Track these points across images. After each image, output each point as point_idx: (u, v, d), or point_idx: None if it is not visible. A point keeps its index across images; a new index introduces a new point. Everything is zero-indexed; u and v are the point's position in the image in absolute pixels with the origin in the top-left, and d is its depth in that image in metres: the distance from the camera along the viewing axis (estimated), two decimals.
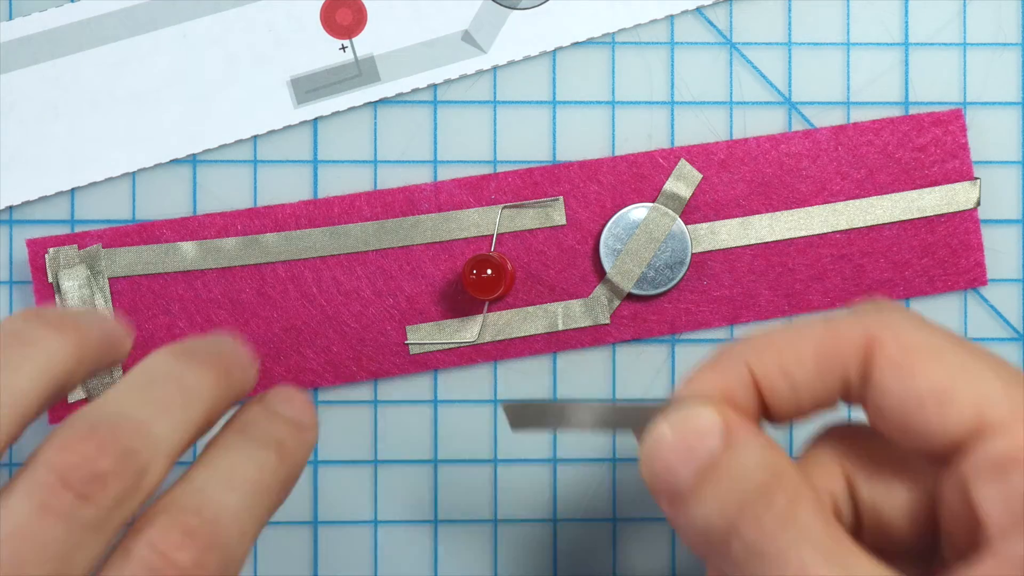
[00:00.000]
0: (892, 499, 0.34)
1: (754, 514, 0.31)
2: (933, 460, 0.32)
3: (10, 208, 0.47)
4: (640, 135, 0.47)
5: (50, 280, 0.46)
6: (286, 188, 0.47)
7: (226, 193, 0.47)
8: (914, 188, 0.47)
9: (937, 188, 0.47)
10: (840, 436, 0.35)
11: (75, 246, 0.46)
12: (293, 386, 0.38)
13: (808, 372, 0.33)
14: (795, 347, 0.34)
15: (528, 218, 0.47)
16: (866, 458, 0.35)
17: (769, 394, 0.34)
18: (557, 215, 0.47)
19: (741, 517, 0.31)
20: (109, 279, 0.46)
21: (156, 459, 0.32)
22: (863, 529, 0.35)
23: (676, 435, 0.32)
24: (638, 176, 0.47)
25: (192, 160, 0.47)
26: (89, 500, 0.30)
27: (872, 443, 0.35)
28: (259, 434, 0.35)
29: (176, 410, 0.33)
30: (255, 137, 0.47)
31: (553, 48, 0.47)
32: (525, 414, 0.36)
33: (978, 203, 0.47)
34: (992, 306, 0.48)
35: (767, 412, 0.34)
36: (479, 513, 0.48)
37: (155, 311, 0.46)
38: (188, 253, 0.46)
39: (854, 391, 0.33)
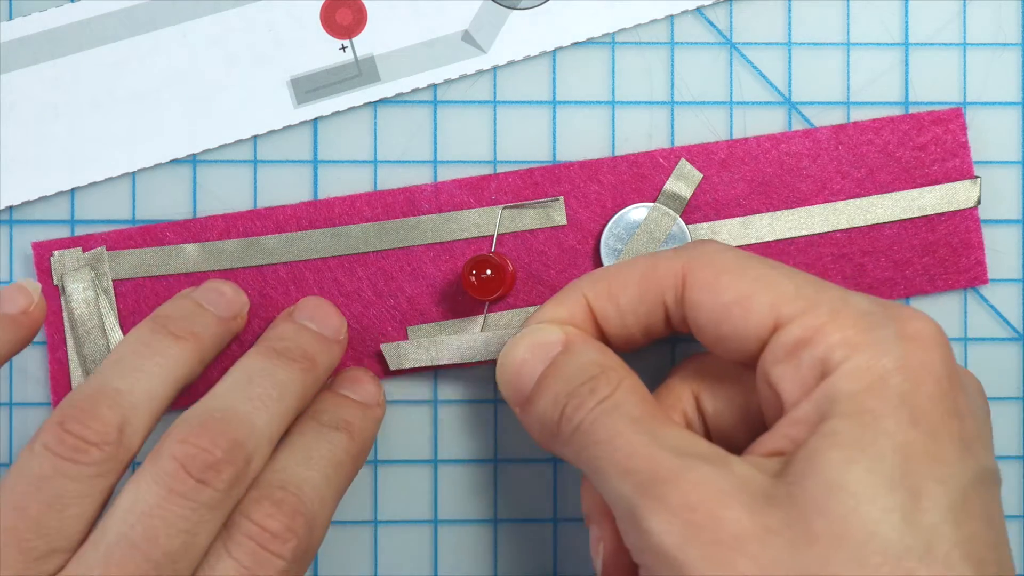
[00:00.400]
0: (729, 407, 0.40)
1: (579, 399, 0.37)
2: (747, 363, 0.38)
3: (10, 208, 0.47)
4: (640, 135, 0.47)
5: (56, 283, 0.46)
6: (286, 188, 0.47)
7: (226, 193, 0.47)
8: (914, 187, 0.47)
9: (937, 187, 0.47)
10: (690, 364, 0.42)
11: (79, 249, 0.46)
12: (362, 368, 0.46)
13: (632, 298, 0.40)
14: (622, 277, 0.40)
15: (528, 218, 0.47)
16: (708, 378, 0.41)
17: (602, 319, 0.40)
18: (557, 215, 0.47)
19: (569, 402, 0.38)
20: (113, 281, 0.46)
21: (259, 446, 0.39)
22: (711, 438, 0.40)
23: (524, 348, 0.40)
24: (638, 176, 0.47)
25: (192, 160, 0.47)
26: (207, 484, 0.37)
27: (713, 366, 0.41)
28: (329, 418, 0.43)
29: (272, 403, 0.40)
30: (255, 137, 0.47)
31: (553, 48, 0.47)
32: (402, 352, 0.46)
33: (978, 201, 0.47)
34: (992, 306, 0.48)
35: (605, 339, 0.41)
36: (479, 513, 0.48)
37: None
38: (191, 255, 0.46)
39: (673, 313, 0.39)
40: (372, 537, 0.47)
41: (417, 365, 0.46)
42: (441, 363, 0.46)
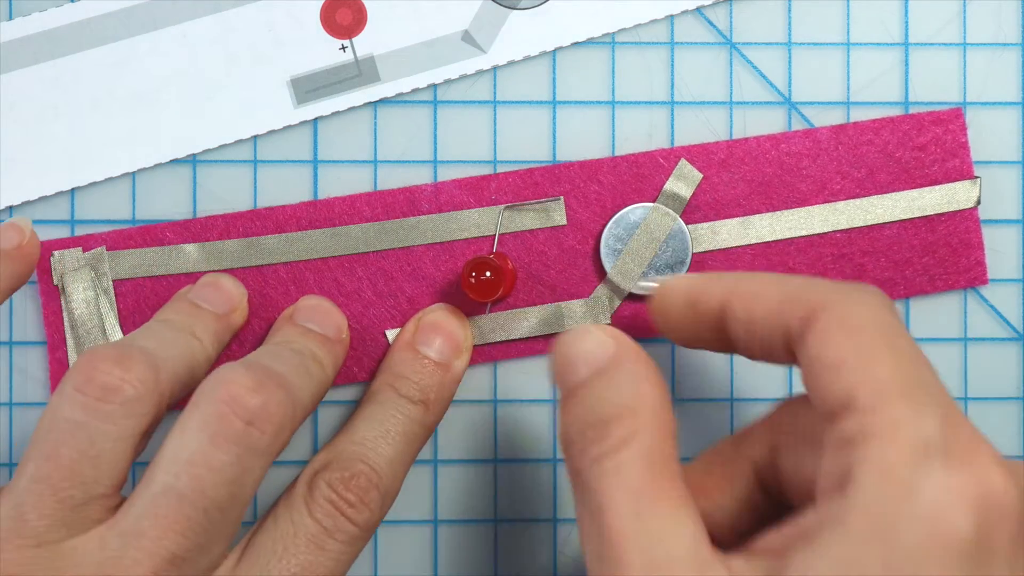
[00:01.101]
0: (804, 467, 0.36)
1: (584, 442, 0.35)
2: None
3: (10, 208, 0.47)
4: (640, 135, 0.47)
5: (56, 283, 0.46)
6: (286, 188, 0.47)
7: (226, 193, 0.47)
8: (914, 187, 0.47)
9: (937, 187, 0.47)
10: (781, 410, 0.38)
11: (79, 249, 0.46)
12: (444, 310, 0.47)
13: (768, 311, 0.35)
14: (768, 290, 0.36)
15: (529, 218, 0.47)
16: (793, 430, 0.37)
17: (732, 319, 0.37)
18: (558, 215, 0.47)
19: (578, 440, 0.35)
20: (113, 281, 0.46)
21: (301, 401, 0.40)
22: (785, 494, 0.37)
23: (569, 350, 0.37)
24: (638, 176, 0.47)
25: (192, 160, 0.47)
26: (255, 426, 0.37)
27: (803, 417, 0.37)
28: (408, 389, 0.44)
29: (304, 373, 0.41)
30: (255, 137, 0.47)
31: (553, 48, 0.47)
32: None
33: (978, 202, 0.47)
34: (992, 306, 0.48)
35: (716, 332, 0.38)
36: (479, 513, 0.48)
37: None
38: (191, 255, 0.46)
39: (792, 341, 0.35)
40: (372, 537, 0.47)
41: None
42: None
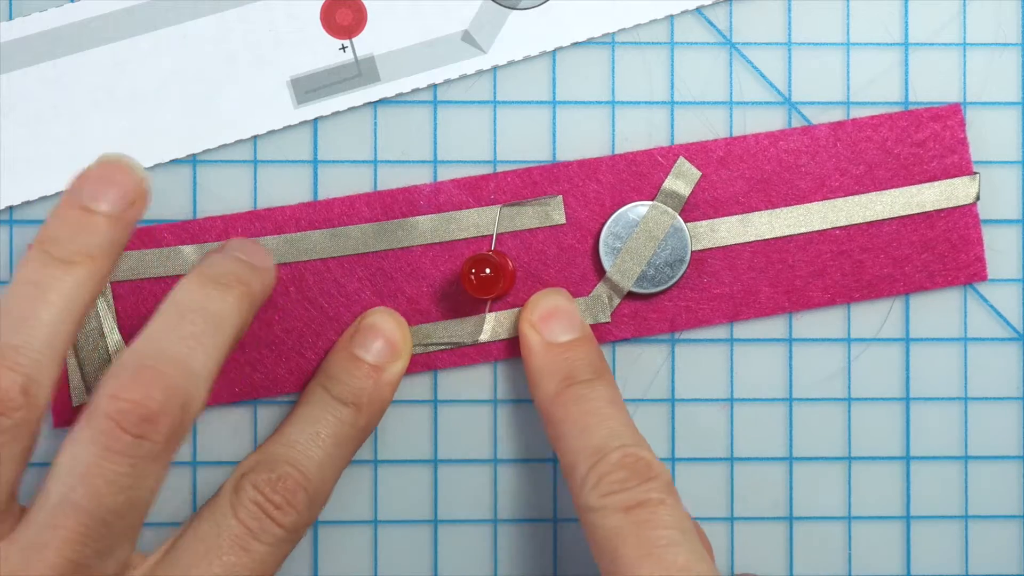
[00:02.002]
0: None
1: None
2: None
3: (10, 208, 0.47)
4: (640, 135, 0.47)
5: None
6: (286, 188, 0.47)
7: (226, 193, 0.47)
8: (913, 183, 0.47)
9: (936, 183, 0.47)
10: None
11: None
12: (381, 311, 0.46)
13: None
14: None
15: (527, 217, 0.47)
16: None
17: None
18: (556, 214, 0.47)
19: None
20: (111, 283, 0.46)
21: (197, 389, 0.37)
22: None
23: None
24: (637, 174, 0.47)
25: (192, 160, 0.47)
26: (145, 438, 0.36)
27: None
28: (340, 391, 0.44)
29: (207, 339, 0.38)
30: (255, 137, 0.47)
31: (553, 48, 0.47)
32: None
33: (977, 198, 0.47)
34: (992, 306, 0.48)
35: None
36: (479, 513, 0.48)
37: None
38: (189, 256, 0.46)
39: None
40: (372, 537, 0.47)
41: (424, 343, 0.47)
42: (442, 342, 0.47)
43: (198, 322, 0.38)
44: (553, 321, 0.45)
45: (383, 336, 0.45)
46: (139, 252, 0.46)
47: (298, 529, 0.41)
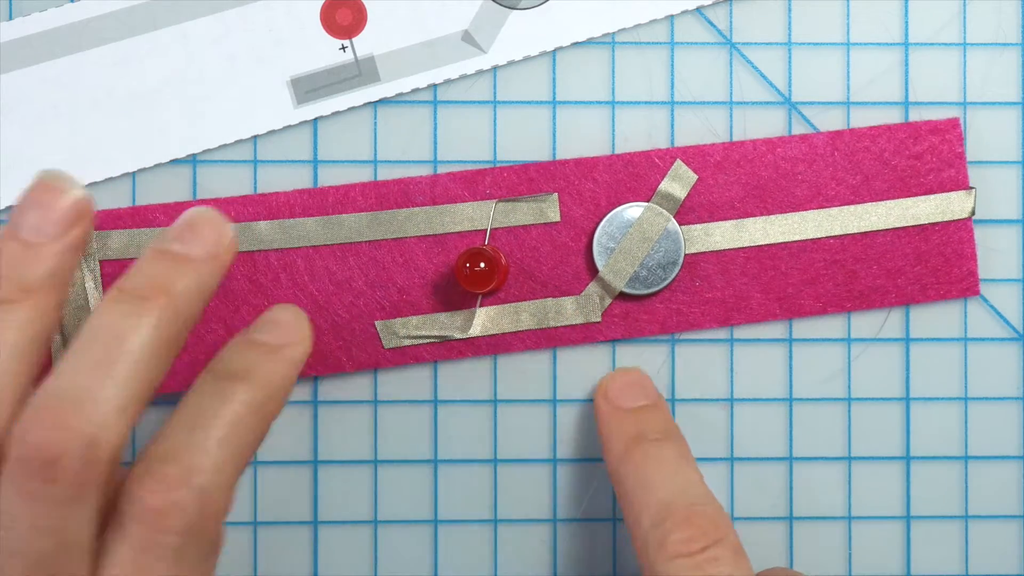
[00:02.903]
0: None
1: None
2: None
3: (10, 207, 0.47)
4: (640, 135, 0.47)
5: None
6: (286, 188, 0.47)
7: (226, 193, 0.47)
8: (909, 196, 0.47)
9: (932, 196, 0.47)
10: None
11: None
12: (284, 304, 0.42)
13: None
14: None
15: (522, 213, 0.47)
16: None
17: None
18: (551, 211, 0.47)
19: None
20: (100, 261, 0.46)
21: (107, 421, 0.33)
22: None
23: None
24: (634, 175, 0.47)
25: (192, 160, 0.47)
26: (54, 481, 0.33)
27: None
28: (224, 367, 0.38)
29: (119, 365, 0.34)
30: (255, 137, 0.47)
31: (553, 48, 0.47)
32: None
33: (972, 213, 0.47)
34: (992, 306, 0.48)
35: None
36: (479, 513, 0.48)
37: None
38: None
39: None
40: (372, 537, 0.47)
41: (413, 335, 0.47)
42: (431, 334, 0.47)
43: (110, 344, 0.35)
44: (626, 389, 0.45)
45: (281, 323, 0.41)
46: (129, 231, 0.46)
47: (196, 532, 0.35)
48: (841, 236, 0.47)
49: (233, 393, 0.37)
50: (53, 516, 0.33)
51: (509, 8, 0.47)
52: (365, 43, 0.47)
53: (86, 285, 0.46)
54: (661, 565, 0.38)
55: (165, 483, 0.35)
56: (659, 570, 0.38)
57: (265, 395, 0.38)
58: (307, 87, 0.47)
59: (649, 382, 0.46)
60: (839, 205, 0.47)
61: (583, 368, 0.47)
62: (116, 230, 0.46)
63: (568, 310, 0.47)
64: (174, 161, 0.47)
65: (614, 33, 0.47)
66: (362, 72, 0.47)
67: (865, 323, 0.48)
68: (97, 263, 0.46)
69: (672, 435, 0.43)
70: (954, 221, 0.47)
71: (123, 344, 0.34)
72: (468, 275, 0.44)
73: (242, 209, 0.47)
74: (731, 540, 0.39)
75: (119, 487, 0.36)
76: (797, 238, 0.47)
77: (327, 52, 0.47)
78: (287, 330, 0.40)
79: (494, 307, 0.47)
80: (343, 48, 0.47)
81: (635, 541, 0.40)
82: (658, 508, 0.39)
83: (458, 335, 0.47)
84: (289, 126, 0.47)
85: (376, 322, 0.47)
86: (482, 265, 0.44)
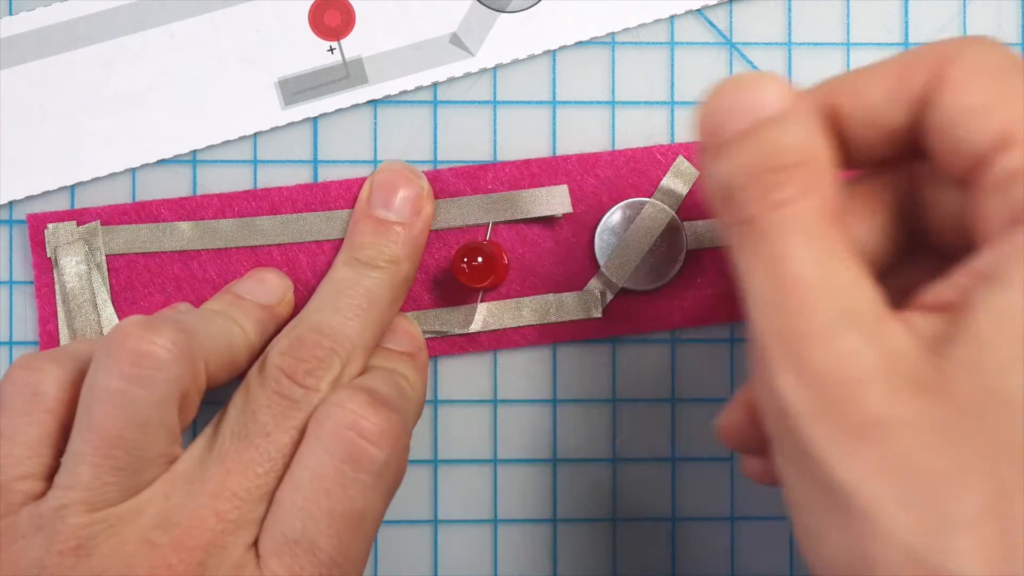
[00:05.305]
0: (949, 206, 0.35)
1: (763, 187, 0.31)
2: (958, 181, 0.32)
3: (11, 204, 0.47)
4: (640, 135, 0.47)
5: (48, 255, 0.46)
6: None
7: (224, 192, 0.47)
8: None
9: None
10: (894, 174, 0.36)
11: (74, 222, 0.46)
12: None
13: (883, 95, 0.33)
14: (876, 72, 0.34)
15: (526, 206, 0.46)
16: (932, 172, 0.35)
17: (848, 117, 0.34)
18: (560, 205, 0.46)
19: (753, 185, 0.32)
20: (106, 256, 0.46)
21: (354, 353, 0.42)
22: (929, 235, 0.36)
23: (737, 93, 0.33)
24: (636, 171, 0.47)
25: (192, 160, 0.47)
26: (309, 388, 0.40)
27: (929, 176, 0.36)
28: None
29: (362, 312, 0.42)
30: (255, 137, 0.47)
31: (542, 51, 0.47)
32: None
33: None
34: None
35: (842, 146, 0.34)
36: (479, 513, 0.48)
37: (151, 289, 0.47)
38: (185, 233, 0.46)
39: (920, 110, 0.33)
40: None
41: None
42: (432, 329, 0.47)
43: (353, 296, 0.42)
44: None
45: (401, 331, 0.45)
46: (134, 227, 0.46)
47: (396, 463, 0.40)
48: None
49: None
50: (299, 417, 0.39)
51: (498, 11, 0.46)
52: (353, 45, 0.47)
53: (92, 279, 0.46)
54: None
55: (378, 401, 0.40)
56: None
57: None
58: (295, 88, 0.47)
59: None
60: None
61: (584, 368, 0.47)
62: (121, 225, 0.46)
63: (570, 306, 0.47)
64: (170, 161, 0.47)
65: (614, 33, 0.47)
66: (350, 74, 0.47)
67: None
68: (103, 257, 0.46)
69: None
70: None
71: (365, 295, 0.43)
72: (466, 271, 0.44)
73: (245, 204, 0.47)
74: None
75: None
76: None
77: (315, 53, 0.47)
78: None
79: (495, 302, 0.47)
80: (331, 50, 0.47)
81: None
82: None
83: (458, 330, 0.47)
84: (287, 125, 0.47)
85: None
86: (479, 260, 0.44)
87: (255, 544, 0.38)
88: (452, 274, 0.45)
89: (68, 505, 0.37)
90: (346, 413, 0.39)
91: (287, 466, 0.39)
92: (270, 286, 0.45)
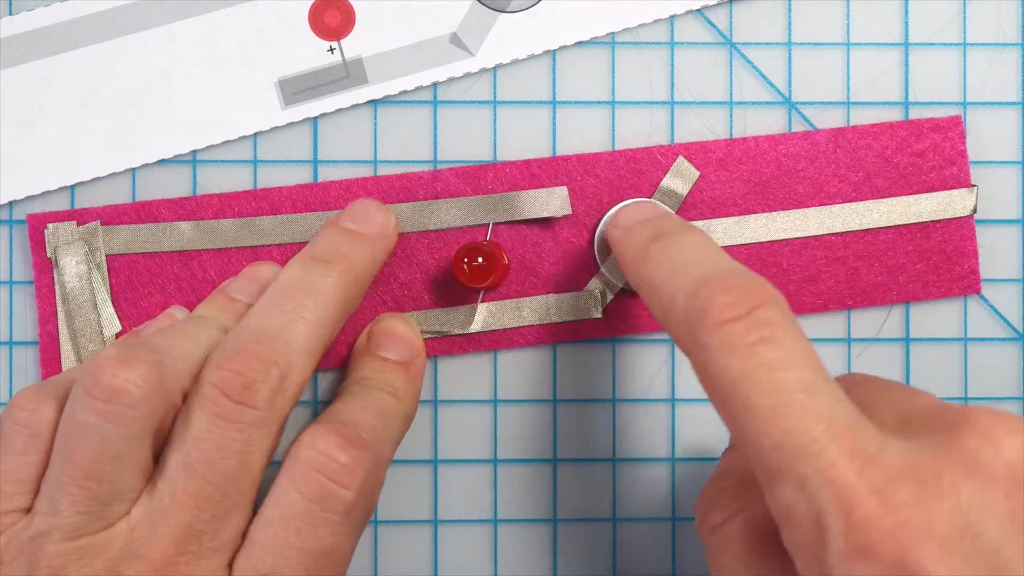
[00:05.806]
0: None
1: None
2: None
3: (10, 205, 0.47)
4: (640, 135, 0.47)
5: (48, 255, 0.46)
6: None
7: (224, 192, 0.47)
8: (911, 193, 0.47)
9: (934, 194, 0.47)
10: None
11: (74, 222, 0.46)
12: (394, 316, 0.47)
13: None
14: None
15: (527, 207, 0.46)
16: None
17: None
18: (560, 205, 0.46)
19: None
20: (106, 256, 0.46)
21: (297, 360, 0.40)
22: None
23: None
24: (636, 172, 0.47)
25: (192, 160, 0.47)
26: (247, 405, 0.38)
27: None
28: (376, 383, 0.44)
29: (308, 314, 0.40)
30: (256, 137, 0.47)
31: (542, 51, 0.47)
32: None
33: (974, 210, 0.47)
34: (992, 306, 0.48)
35: None
36: (479, 513, 0.48)
37: (151, 289, 0.47)
38: (185, 233, 0.46)
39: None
40: (372, 537, 0.48)
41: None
42: (432, 329, 0.47)
43: (298, 297, 0.41)
44: (634, 211, 0.43)
45: (398, 337, 0.45)
46: (134, 227, 0.46)
47: (367, 494, 0.40)
48: (843, 233, 0.47)
49: (387, 399, 0.43)
50: (239, 437, 0.38)
51: (497, 11, 0.46)
52: (353, 45, 0.47)
53: (92, 278, 0.46)
54: (705, 336, 0.34)
55: (349, 440, 0.39)
56: (704, 341, 0.34)
57: (408, 408, 0.44)
58: (295, 88, 0.47)
59: (659, 205, 0.44)
60: (841, 202, 0.47)
61: (584, 368, 0.47)
62: (121, 225, 0.46)
63: (569, 306, 0.47)
64: (171, 160, 0.47)
65: (614, 33, 0.47)
66: (350, 74, 0.47)
67: (865, 323, 0.48)
68: (103, 257, 0.46)
69: (692, 228, 0.40)
70: (956, 219, 0.47)
71: (311, 295, 0.41)
72: (467, 271, 0.44)
73: (245, 204, 0.47)
74: (779, 302, 0.34)
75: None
76: (799, 235, 0.47)
77: (315, 54, 0.47)
78: (408, 345, 0.46)
79: (495, 302, 0.47)
80: (331, 50, 0.47)
81: (672, 329, 0.36)
82: (695, 283, 0.35)
83: (459, 330, 0.47)
84: (288, 125, 0.47)
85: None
86: (480, 260, 0.44)
87: (229, 567, 0.39)
88: (452, 274, 0.46)
89: (47, 532, 0.37)
90: (316, 455, 0.39)
91: (239, 491, 0.38)
92: (264, 283, 0.45)
